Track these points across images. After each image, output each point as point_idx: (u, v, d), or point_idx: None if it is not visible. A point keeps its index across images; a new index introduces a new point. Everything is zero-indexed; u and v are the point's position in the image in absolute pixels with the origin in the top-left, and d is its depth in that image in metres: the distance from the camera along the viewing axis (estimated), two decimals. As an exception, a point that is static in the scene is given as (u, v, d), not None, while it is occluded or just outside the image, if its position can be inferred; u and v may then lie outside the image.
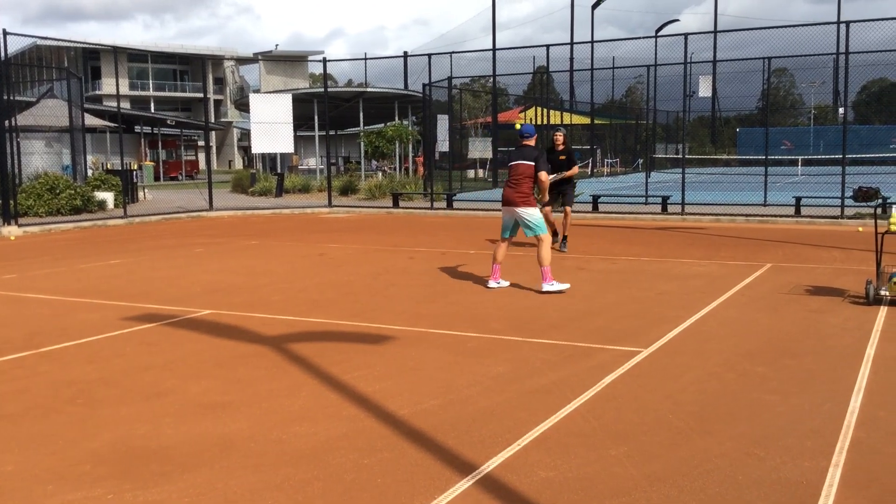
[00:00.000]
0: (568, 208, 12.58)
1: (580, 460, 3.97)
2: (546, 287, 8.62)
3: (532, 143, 9.16)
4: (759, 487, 3.63)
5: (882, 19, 18.13)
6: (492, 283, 9.03)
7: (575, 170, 12.67)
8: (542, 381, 5.33)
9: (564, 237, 12.54)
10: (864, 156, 35.92)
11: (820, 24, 19.60)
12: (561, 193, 12.52)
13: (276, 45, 72.22)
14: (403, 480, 3.76)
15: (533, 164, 8.95)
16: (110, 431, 4.50)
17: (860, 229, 14.40)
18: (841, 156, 18.30)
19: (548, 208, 12.21)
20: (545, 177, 9.00)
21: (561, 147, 12.54)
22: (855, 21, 17.46)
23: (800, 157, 39.36)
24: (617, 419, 4.57)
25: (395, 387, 5.26)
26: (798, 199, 17.17)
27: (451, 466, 3.91)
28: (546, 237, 8.89)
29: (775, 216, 16.77)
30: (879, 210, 8.56)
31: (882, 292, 7.72)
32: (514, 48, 51.61)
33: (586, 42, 34.72)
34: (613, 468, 3.88)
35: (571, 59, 31.92)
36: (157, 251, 13.04)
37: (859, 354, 5.91)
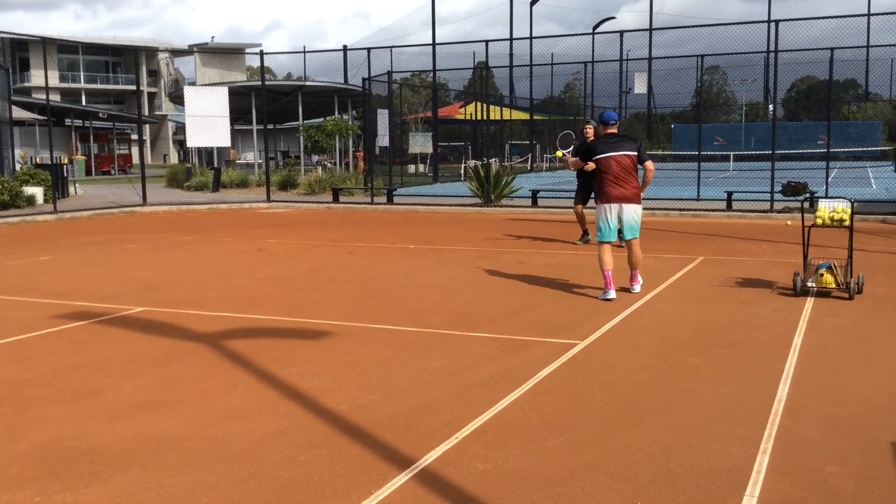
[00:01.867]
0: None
1: (517, 452, 4.01)
2: (637, 288, 8.17)
3: (616, 130, 8.33)
4: (690, 475, 3.72)
5: (810, 18, 18.72)
6: (611, 295, 7.85)
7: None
8: (481, 375, 5.36)
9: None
10: (793, 151, 37.03)
11: (751, 22, 20.15)
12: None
13: (213, 37, 70.89)
14: (341, 476, 3.75)
15: (636, 154, 8.13)
16: (38, 432, 4.37)
17: (788, 223, 14.84)
18: (771, 151, 18.84)
19: (581, 206, 12.25)
20: (652, 166, 8.30)
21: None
22: (784, 20, 17.98)
23: (732, 153, 40.38)
24: (553, 410, 4.63)
25: (333, 382, 5.23)
26: (730, 194, 17.60)
27: (389, 461, 3.91)
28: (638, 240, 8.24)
29: (708, 210, 17.16)
30: (807, 204, 8.84)
31: (809, 284, 7.97)
32: (453, 43, 51.76)
33: (525, 38, 34.99)
34: (549, 459, 3.93)
35: (511, 54, 32.14)
36: (88, 247, 12.71)
37: (787, 344, 6.10)
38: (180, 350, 6.13)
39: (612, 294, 7.88)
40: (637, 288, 8.20)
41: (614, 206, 8.03)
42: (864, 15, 22.83)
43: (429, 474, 3.76)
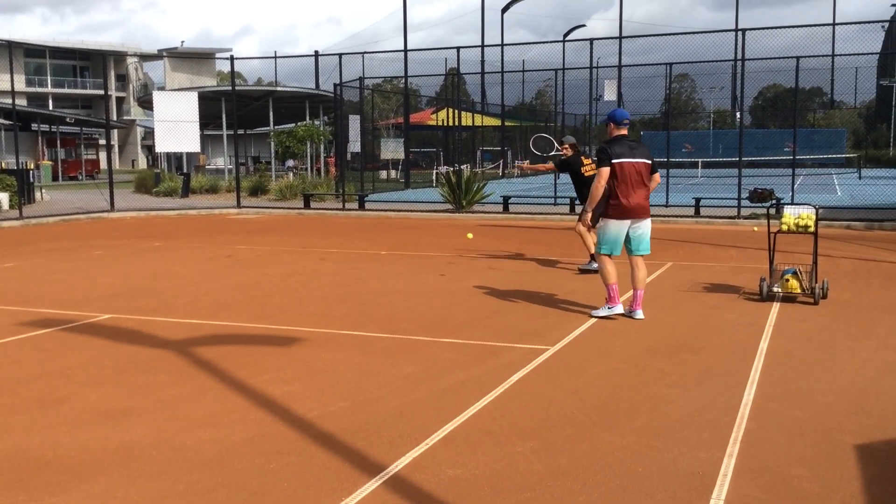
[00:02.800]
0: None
1: (487, 457, 4.02)
2: (640, 314, 7.27)
3: (626, 132, 7.34)
4: (658, 478, 3.76)
5: (776, 28, 19.00)
6: (619, 309, 7.29)
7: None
8: (452, 381, 5.37)
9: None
10: (759, 158, 37.51)
11: (718, 31, 20.40)
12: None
13: (182, 42, 70.31)
14: (310, 484, 3.73)
15: (651, 162, 7.30)
16: (3, 441, 4.30)
17: (755, 229, 15.05)
18: (738, 158, 19.09)
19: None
20: (659, 178, 7.50)
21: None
22: (751, 29, 18.23)
23: (700, 160, 40.83)
24: (523, 416, 4.65)
25: (304, 389, 5.21)
26: (697, 201, 17.80)
27: (359, 468, 3.90)
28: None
29: (676, 216, 17.34)
30: (773, 210, 8.96)
31: (775, 289, 8.08)
32: (425, 49, 51.88)
33: (497, 45, 35.14)
34: (519, 464, 3.94)
35: (482, 61, 32.29)
36: (54, 254, 12.53)
37: (753, 349, 6.18)
38: (148, 357, 6.07)
39: (620, 308, 7.31)
40: (640, 314, 7.27)
41: (627, 222, 7.25)
42: (829, 24, 23.25)
43: (399, 480, 3.75)
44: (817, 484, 3.71)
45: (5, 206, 20.37)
